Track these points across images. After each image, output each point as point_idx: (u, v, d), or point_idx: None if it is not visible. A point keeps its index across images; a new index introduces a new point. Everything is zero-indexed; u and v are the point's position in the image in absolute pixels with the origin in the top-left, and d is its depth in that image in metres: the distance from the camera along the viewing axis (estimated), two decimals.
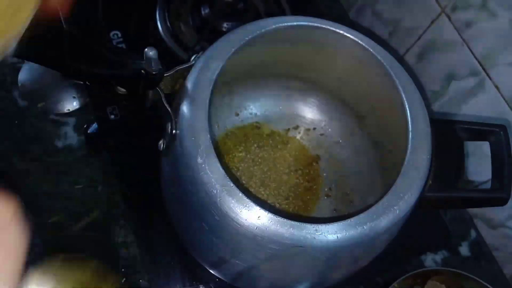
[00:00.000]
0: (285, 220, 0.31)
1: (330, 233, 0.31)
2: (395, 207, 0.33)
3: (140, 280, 0.54)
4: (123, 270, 0.54)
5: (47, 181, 0.57)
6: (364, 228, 0.32)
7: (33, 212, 0.54)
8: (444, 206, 0.37)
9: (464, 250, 0.63)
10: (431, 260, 0.62)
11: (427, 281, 0.58)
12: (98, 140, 0.58)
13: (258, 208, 0.31)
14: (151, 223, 0.53)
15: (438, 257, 0.62)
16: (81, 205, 0.56)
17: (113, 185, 0.58)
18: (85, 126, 0.60)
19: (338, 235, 0.31)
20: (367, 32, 0.75)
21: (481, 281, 0.56)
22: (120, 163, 0.56)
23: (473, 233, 0.65)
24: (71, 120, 0.61)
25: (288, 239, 0.31)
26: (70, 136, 0.60)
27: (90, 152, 0.59)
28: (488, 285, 0.55)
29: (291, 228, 0.31)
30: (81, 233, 0.55)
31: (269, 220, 0.31)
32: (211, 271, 0.45)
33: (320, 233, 0.31)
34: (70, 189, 0.57)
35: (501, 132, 0.38)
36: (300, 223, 0.31)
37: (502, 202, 0.36)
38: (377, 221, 0.32)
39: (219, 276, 0.46)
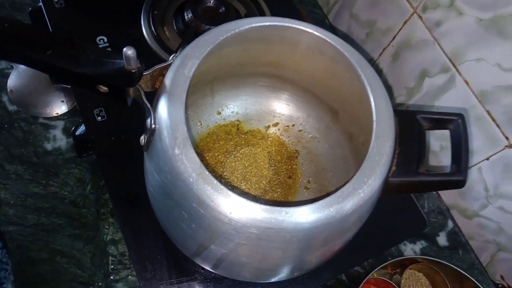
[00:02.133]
0: (257, 204, 0.33)
1: (299, 215, 0.33)
2: (359, 191, 0.35)
3: (129, 276, 0.56)
4: (112, 267, 0.56)
5: (37, 182, 0.59)
6: (330, 210, 0.34)
7: (24, 213, 0.57)
8: (407, 190, 0.40)
9: (441, 240, 0.66)
10: (410, 250, 0.64)
11: (406, 270, 0.60)
12: (86, 141, 0.60)
13: (232, 193, 0.34)
14: (138, 220, 0.55)
15: (417, 247, 0.65)
16: (70, 205, 0.58)
17: (101, 185, 0.60)
18: (73, 128, 0.62)
19: (307, 217, 0.33)
20: (345, 35, 0.78)
21: (458, 269, 0.58)
22: (107, 163, 0.57)
23: (450, 224, 0.67)
24: (60, 123, 0.63)
25: (261, 222, 0.33)
26: (59, 139, 0.62)
27: (78, 154, 0.60)
28: (465, 273, 0.58)
29: (263, 212, 0.33)
30: (71, 232, 0.57)
31: (242, 204, 0.34)
32: (194, 260, 0.47)
33: (290, 215, 0.33)
34: (59, 190, 0.59)
35: (459, 120, 0.41)
36: (271, 206, 0.33)
37: (460, 184, 0.39)
38: (343, 203, 0.34)
39: (202, 265, 0.48)
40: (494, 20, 0.52)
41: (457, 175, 0.39)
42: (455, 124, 0.41)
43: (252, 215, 0.33)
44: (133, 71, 0.35)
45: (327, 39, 0.42)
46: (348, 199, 0.35)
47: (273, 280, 0.48)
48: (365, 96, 0.40)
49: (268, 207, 0.33)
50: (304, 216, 0.34)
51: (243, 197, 0.34)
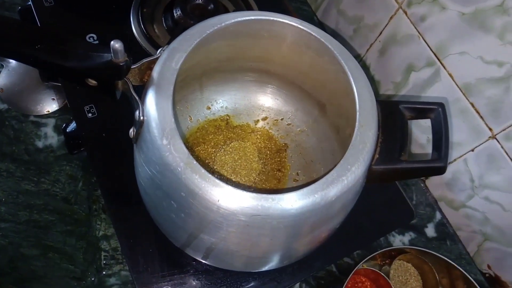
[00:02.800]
0: (244, 192, 0.34)
1: (285, 202, 0.34)
2: (343, 178, 0.36)
3: (121, 271, 0.56)
4: (104, 262, 0.56)
5: (29, 179, 0.59)
6: (315, 196, 0.35)
7: (15, 210, 0.57)
8: (390, 178, 0.41)
9: (430, 231, 0.67)
10: (399, 241, 0.65)
11: (394, 260, 0.61)
12: (77, 138, 0.60)
13: (219, 182, 0.34)
14: (130, 215, 0.55)
15: (406, 238, 0.66)
16: (62, 202, 0.59)
17: (92, 182, 0.60)
18: (64, 125, 0.62)
19: (293, 203, 0.34)
20: (333, 31, 0.79)
21: (446, 259, 0.59)
22: (98, 160, 0.58)
23: (438, 215, 0.68)
24: (51, 121, 0.63)
25: (249, 209, 0.34)
26: (50, 136, 0.62)
27: (70, 151, 0.61)
28: (453, 263, 0.59)
29: (251, 199, 0.34)
30: (63, 228, 0.57)
31: (230, 192, 0.34)
32: (185, 251, 0.47)
33: (276, 202, 0.34)
34: (51, 187, 0.59)
35: (440, 109, 0.42)
36: (258, 194, 0.34)
37: (441, 170, 0.40)
38: (327, 190, 0.35)
39: (193, 256, 0.48)
40: (476, 14, 0.53)
41: (437, 162, 0.40)
42: (436, 113, 0.42)
43: (239, 202, 0.34)
44: (121, 64, 0.35)
45: (312, 33, 0.43)
46: (332, 185, 0.36)
47: (263, 269, 0.48)
48: (350, 88, 0.41)
49: (255, 194, 0.34)
50: (290, 202, 0.34)
51: (230, 185, 0.34)
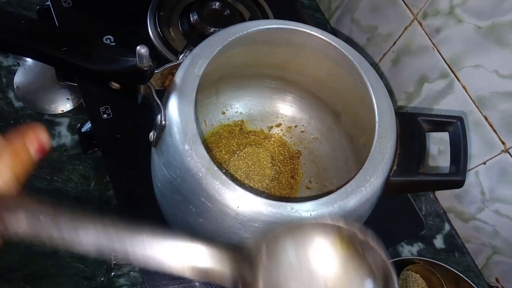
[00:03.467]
0: (264, 199, 0.35)
1: (304, 211, 0.35)
2: (362, 188, 0.36)
3: (131, 272, 0.56)
4: (114, 262, 0.57)
5: (41, 178, 0.59)
6: (334, 206, 0.35)
7: None
8: (408, 190, 0.41)
9: (438, 242, 0.67)
10: (407, 252, 0.65)
11: (402, 270, 0.61)
12: (91, 138, 0.60)
13: (239, 188, 0.35)
14: (142, 216, 0.55)
15: (414, 249, 0.66)
16: (74, 201, 0.59)
17: (105, 182, 0.61)
18: (78, 125, 0.63)
19: (311, 212, 0.35)
20: (347, 39, 0.80)
21: (455, 271, 0.59)
22: (112, 161, 0.58)
23: (447, 227, 0.69)
24: (65, 120, 0.64)
25: (267, 217, 0.34)
26: (64, 135, 0.63)
27: (84, 150, 0.61)
28: (461, 275, 0.59)
29: (269, 207, 0.34)
30: None
31: (249, 199, 0.35)
32: None
33: (295, 210, 0.34)
34: (63, 186, 0.60)
35: (459, 123, 0.42)
36: (277, 201, 0.35)
37: (459, 184, 0.40)
38: (346, 200, 0.36)
39: None
40: (492, 28, 0.53)
41: (456, 175, 0.40)
42: (455, 126, 0.42)
43: (258, 209, 0.35)
44: (145, 69, 0.36)
45: (332, 42, 0.44)
46: (351, 196, 0.36)
47: None
48: (368, 98, 0.42)
49: (274, 202, 0.35)
50: (308, 212, 0.35)
51: (250, 192, 0.35)
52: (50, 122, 0.63)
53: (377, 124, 0.40)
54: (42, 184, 0.59)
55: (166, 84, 0.42)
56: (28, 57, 0.60)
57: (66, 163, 0.61)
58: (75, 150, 0.62)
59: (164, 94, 0.41)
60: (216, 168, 0.35)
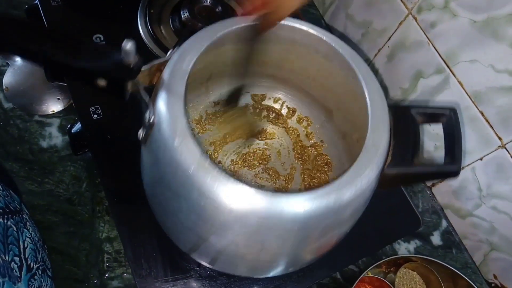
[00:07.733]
0: (257, 193, 0.33)
1: (299, 203, 0.34)
2: (357, 181, 0.36)
3: (124, 274, 0.56)
4: (107, 264, 0.56)
5: (32, 179, 0.58)
6: (329, 199, 0.34)
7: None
8: (403, 182, 0.40)
9: (435, 239, 0.66)
10: (404, 249, 0.65)
11: (400, 268, 0.60)
12: (82, 139, 0.59)
13: (232, 183, 0.34)
14: (134, 217, 0.55)
15: (411, 246, 0.65)
16: (65, 203, 0.58)
17: (96, 183, 0.60)
18: (69, 126, 0.62)
19: (306, 204, 0.34)
20: (341, 35, 0.79)
21: (452, 268, 0.58)
22: (103, 161, 0.57)
23: (444, 223, 0.68)
24: (56, 121, 0.63)
25: (261, 210, 0.33)
26: (55, 136, 0.62)
27: (74, 151, 0.60)
28: (459, 272, 0.58)
29: (264, 200, 0.33)
30: (67, 229, 0.57)
31: (243, 193, 0.34)
32: (191, 255, 0.47)
33: (289, 203, 0.34)
34: (55, 187, 0.59)
35: (452, 114, 0.41)
36: (271, 195, 0.34)
37: (454, 174, 0.39)
38: (341, 193, 0.35)
39: (199, 261, 0.48)
40: (488, 22, 0.53)
41: (450, 166, 0.39)
42: (448, 117, 0.41)
43: (252, 203, 0.34)
44: (132, 64, 0.35)
45: (322, 37, 0.43)
46: (346, 188, 0.35)
47: (269, 275, 0.48)
48: (360, 92, 0.41)
49: (268, 196, 0.34)
50: (303, 204, 0.34)
51: (243, 186, 0.34)
52: (40, 123, 0.62)
53: (370, 117, 0.39)
54: (33, 185, 0.58)
55: (153, 82, 0.41)
56: (13, 53, 0.59)
57: (57, 164, 0.60)
58: (66, 151, 0.61)
59: (152, 91, 0.40)
60: (207, 163, 0.34)
